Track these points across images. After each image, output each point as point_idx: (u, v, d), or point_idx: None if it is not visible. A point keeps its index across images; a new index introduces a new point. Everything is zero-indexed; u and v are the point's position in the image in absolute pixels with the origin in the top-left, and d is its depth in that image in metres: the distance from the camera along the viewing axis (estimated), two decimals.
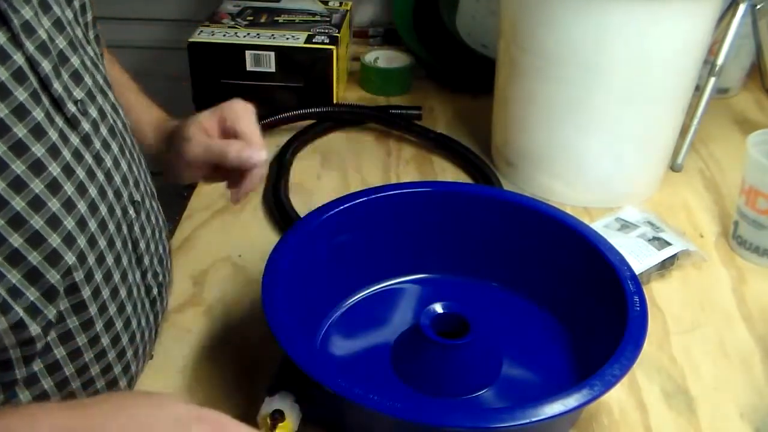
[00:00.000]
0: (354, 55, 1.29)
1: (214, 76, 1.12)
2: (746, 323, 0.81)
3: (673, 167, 1.05)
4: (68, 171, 0.54)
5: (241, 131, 0.71)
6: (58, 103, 0.54)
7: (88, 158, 0.56)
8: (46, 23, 0.55)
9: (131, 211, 0.62)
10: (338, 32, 1.14)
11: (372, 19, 1.38)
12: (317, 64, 1.11)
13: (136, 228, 0.63)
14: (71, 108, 0.55)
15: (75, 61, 0.58)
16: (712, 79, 1.04)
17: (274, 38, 1.12)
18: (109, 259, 0.58)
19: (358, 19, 1.37)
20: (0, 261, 0.49)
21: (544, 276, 0.78)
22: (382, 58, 1.25)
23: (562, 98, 0.92)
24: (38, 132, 0.52)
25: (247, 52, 1.10)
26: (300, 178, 1.01)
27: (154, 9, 1.46)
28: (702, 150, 1.10)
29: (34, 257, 0.51)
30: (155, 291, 0.68)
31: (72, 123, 0.55)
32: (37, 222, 0.51)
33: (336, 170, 1.04)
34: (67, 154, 0.54)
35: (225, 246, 0.89)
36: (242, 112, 0.73)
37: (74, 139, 0.55)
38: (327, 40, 1.12)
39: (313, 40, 1.12)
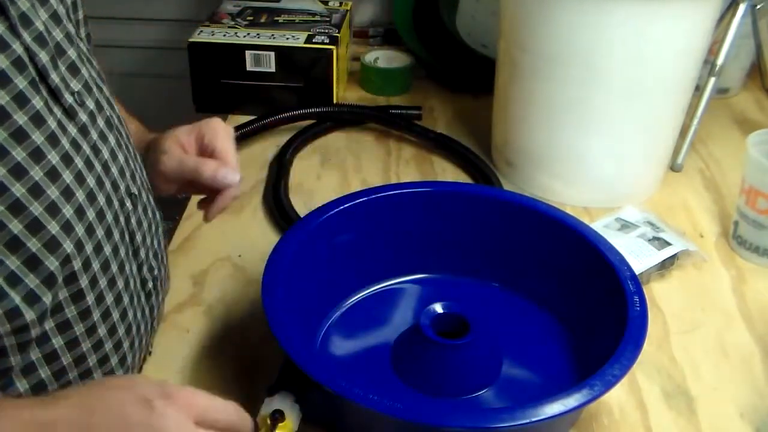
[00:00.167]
0: (354, 55, 1.29)
1: (214, 76, 1.12)
2: (746, 323, 0.81)
3: (673, 167, 1.05)
4: (67, 160, 0.55)
5: (218, 150, 0.73)
6: (55, 94, 0.55)
7: (86, 148, 0.57)
8: (43, 15, 0.56)
9: (128, 203, 0.63)
10: (338, 32, 1.14)
11: (372, 19, 1.38)
12: (317, 64, 1.11)
13: (133, 220, 0.64)
14: (68, 99, 0.56)
15: (72, 53, 0.58)
16: (712, 79, 1.04)
17: (274, 38, 1.12)
18: (107, 249, 0.59)
19: (358, 19, 1.37)
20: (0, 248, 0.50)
21: (544, 276, 0.78)
22: (382, 58, 1.25)
23: (562, 98, 0.92)
24: (38, 120, 0.52)
25: (247, 52, 1.11)
26: (300, 178, 1.01)
27: (154, 9, 1.46)
28: (702, 150, 1.10)
29: (33, 244, 0.52)
30: (150, 284, 0.68)
31: (69, 113, 0.56)
32: (36, 209, 0.52)
33: (336, 170, 1.04)
34: (65, 143, 0.55)
35: (225, 246, 0.89)
36: (221, 131, 0.74)
37: (72, 129, 0.56)
38: (327, 40, 1.12)
39: (313, 40, 1.12)
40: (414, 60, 1.24)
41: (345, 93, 1.22)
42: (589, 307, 0.74)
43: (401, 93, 1.22)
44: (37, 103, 0.53)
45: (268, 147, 1.08)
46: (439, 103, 1.20)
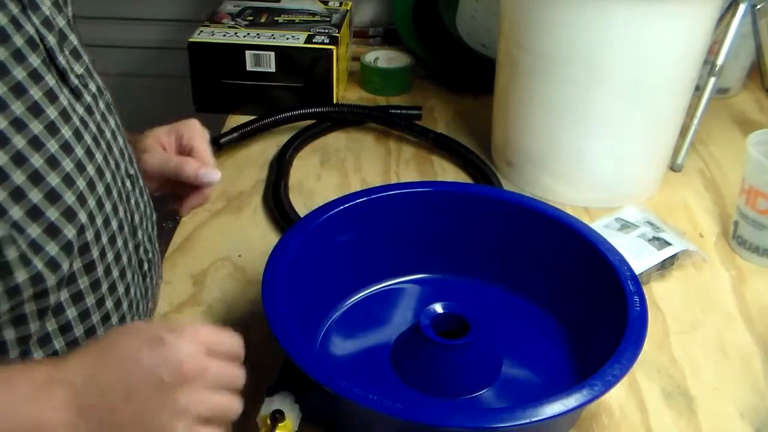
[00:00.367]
0: (354, 55, 1.29)
1: (214, 76, 1.12)
2: (746, 323, 0.81)
3: (673, 167, 1.05)
4: (78, 135, 0.57)
5: (196, 149, 0.76)
6: (63, 75, 0.57)
7: (93, 127, 0.60)
8: (47, 2, 0.58)
9: (128, 183, 0.65)
10: (338, 32, 1.14)
11: (372, 19, 1.38)
12: (317, 64, 1.11)
13: (132, 200, 0.66)
14: (74, 80, 0.59)
15: (73, 39, 0.61)
16: (712, 79, 1.04)
17: (274, 38, 1.12)
18: (114, 224, 0.61)
19: (358, 19, 1.37)
20: (21, 216, 0.52)
21: (544, 276, 0.78)
22: (382, 58, 1.25)
23: (563, 98, 0.92)
24: (51, 96, 0.55)
25: (247, 52, 1.11)
26: (300, 178, 1.01)
27: (155, 9, 1.46)
28: (702, 150, 1.10)
29: (51, 213, 0.54)
30: (146, 266, 0.70)
31: (76, 93, 0.59)
32: (53, 179, 0.54)
33: (336, 170, 1.04)
34: (76, 120, 0.57)
35: (225, 246, 0.89)
36: (198, 132, 0.77)
37: (79, 108, 0.58)
38: (327, 40, 1.12)
39: (313, 40, 1.12)
40: (414, 60, 1.24)
41: (345, 93, 1.22)
42: (589, 307, 0.74)
43: (401, 93, 1.22)
44: (50, 80, 0.55)
45: (268, 147, 1.08)
46: (439, 103, 1.20)
